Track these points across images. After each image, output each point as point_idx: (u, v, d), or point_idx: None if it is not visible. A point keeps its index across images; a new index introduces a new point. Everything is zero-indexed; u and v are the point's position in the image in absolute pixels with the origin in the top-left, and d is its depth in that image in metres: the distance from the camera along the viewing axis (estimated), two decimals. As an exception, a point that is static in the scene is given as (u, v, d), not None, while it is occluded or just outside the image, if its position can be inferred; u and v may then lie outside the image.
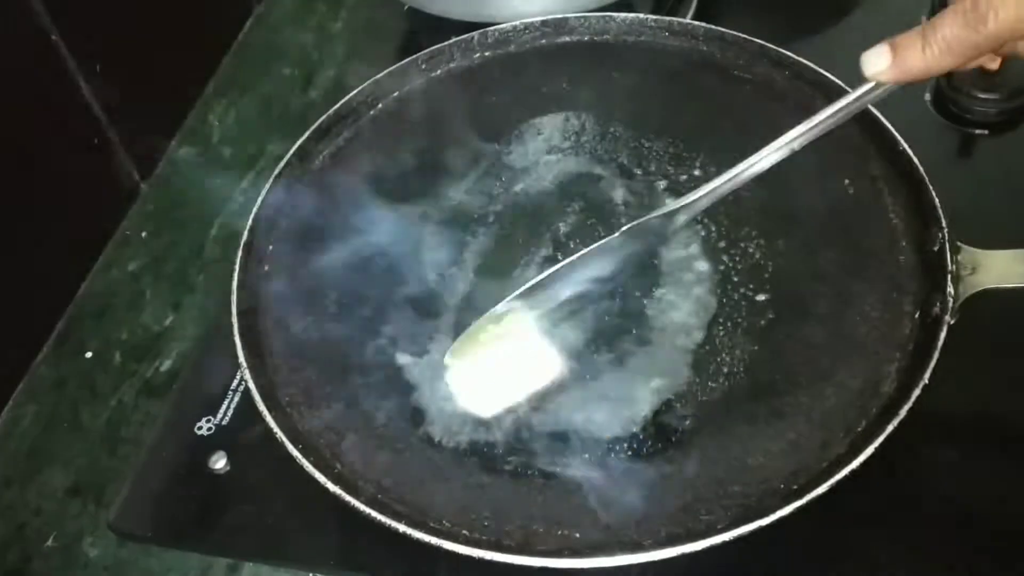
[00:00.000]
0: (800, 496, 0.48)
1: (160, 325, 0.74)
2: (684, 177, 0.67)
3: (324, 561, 0.56)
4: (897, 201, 0.63)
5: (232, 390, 0.63)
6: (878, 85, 0.50)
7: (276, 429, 0.54)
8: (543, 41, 0.79)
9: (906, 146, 0.63)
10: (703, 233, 0.63)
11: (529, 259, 0.64)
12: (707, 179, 0.65)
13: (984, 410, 0.58)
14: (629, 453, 0.54)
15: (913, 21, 0.81)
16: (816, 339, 0.57)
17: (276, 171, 0.68)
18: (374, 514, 0.50)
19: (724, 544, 0.47)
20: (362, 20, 0.96)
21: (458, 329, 0.60)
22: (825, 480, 0.48)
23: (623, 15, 0.77)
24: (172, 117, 0.88)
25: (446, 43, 0.77)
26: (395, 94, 0.76)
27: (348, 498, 0.51)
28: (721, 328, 0.59)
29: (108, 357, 0.72)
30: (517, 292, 0.56)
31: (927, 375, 0.51)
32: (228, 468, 0.59)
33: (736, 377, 0.56)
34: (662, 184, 0.67)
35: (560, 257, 0.62)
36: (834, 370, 0.56)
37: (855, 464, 0.49)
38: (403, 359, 0.60)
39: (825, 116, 0.52)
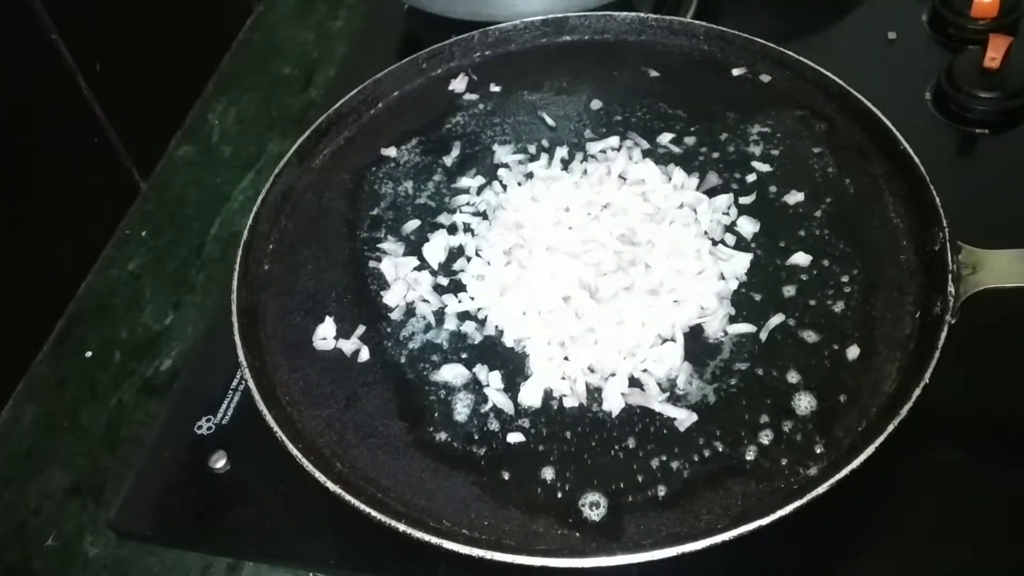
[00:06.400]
0: (800, 496, 0.48)
1: (160, 324, 0.74)
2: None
3: (324, 560, 0.56)
4: (898, 200, 0.63)
5: (232, 389, 0.63)
6: None
7: (276, 429, 0.54)
8: (543, 40, 0.79)
9: (907, 145, 0.63)
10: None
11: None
12: (703, 177, 0.66)
13: (984, 410, 0.58)
14: (629, 448, 0.54)
15: (913, 21, 0.82)
16: (816, 338, 0.57)
17: (276, 170, 0.68)
18: (374, 514, 0.50)
19: (724, 544, 0.47)
20: (362, 20, 0.96)
21: (460, 327, 0.60)
22: (825, 480, 0.48)
23: (624, 14, 0.77)
24: (172, 117, 0.88)
25: (446, 42, 0.77)
26: (395, 93, 0.76)
27: (348, 498, 0.51)
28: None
29: (108, 356, 0.73)
30: None
31: (927, 375, 0.51)
32: (228, 468, 0.59)
33: (739, 375, 0.56)
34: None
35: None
36: (834, 369, 0.56)
37: (855, 464, 0.49)
38: (403, 358, 0.60)
39: None
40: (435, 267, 0.64)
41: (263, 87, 0.92)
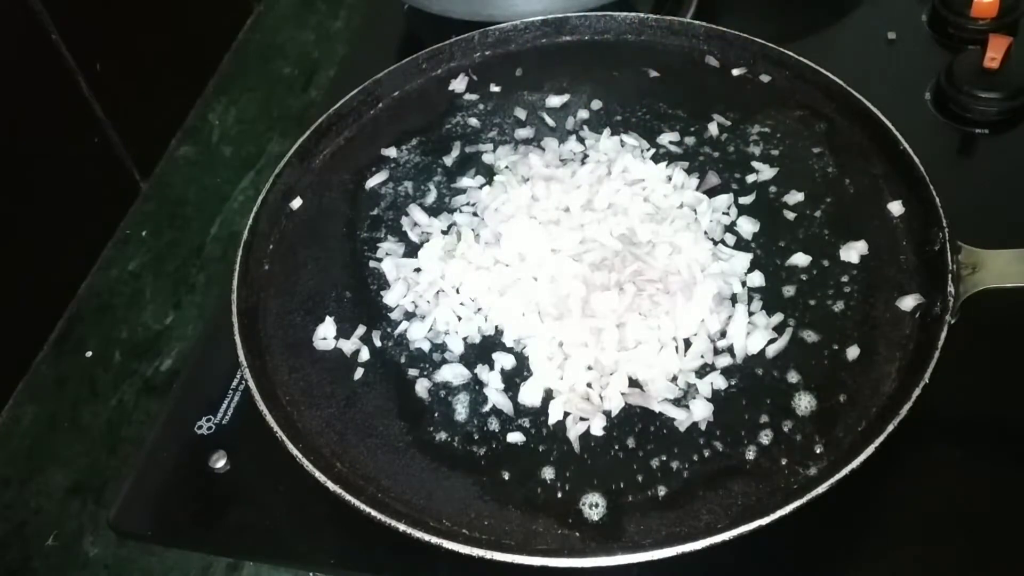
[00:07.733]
0: (800, 496, 0.48)
1: (160, 324, 0.74)
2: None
3: (324, 560, 0.56)
4: (898, 201, 0.63)
5: (232, 389, 0.63)
6: None
7: (276, 428, 0.54)
8: (544, 40, 0.79)
9: (907, 146, 0.63)
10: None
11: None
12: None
13: (984, 410, 0.58)
14: (629, 448, 0.54)
15: (913, 21, 0.82)
16: (816, 338, 0.57)
17: (276, 170, 0.68)
18: (374, 514, 0.50)
19: (724, 544, 0.47)
20: (362, 20, 0.96)
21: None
22: (825, 480, 0.48)
23: (624, 14, 0.77)
24: (172, 117, 0.88)
25: (446, 43, 0.77)
26: (395, 93, 0.76)
27: (348, 498, 0.51)
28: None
29: (108, 356, 0.73)
30: None
31: (927, 375, 0.51)
32: (228, 468, 0.59)
33: (739, 375, 0.56)
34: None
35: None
36: (834, 369, 0.56)
37: (855, 464, 0.49)
38: (403, 358, 0.60)
39: None
40: (435, 268, 0.64)
41: (263, 87, 0.92)
